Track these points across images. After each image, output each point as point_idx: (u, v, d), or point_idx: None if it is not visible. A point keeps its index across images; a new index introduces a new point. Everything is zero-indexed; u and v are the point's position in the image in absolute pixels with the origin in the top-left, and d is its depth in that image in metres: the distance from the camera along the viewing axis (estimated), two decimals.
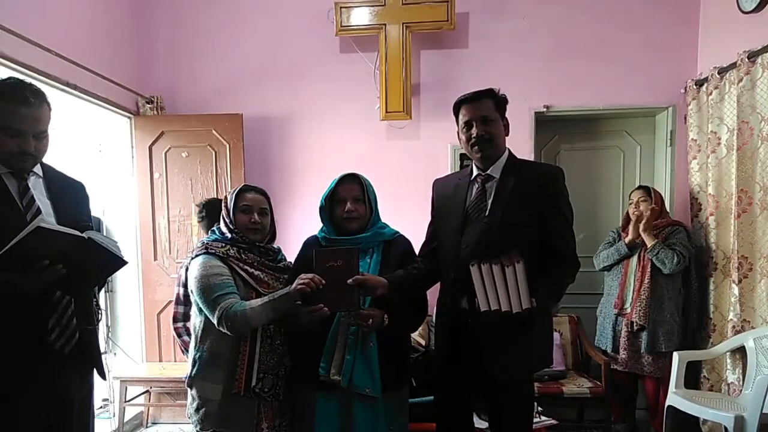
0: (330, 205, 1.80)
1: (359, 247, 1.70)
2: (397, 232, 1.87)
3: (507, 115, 1.77)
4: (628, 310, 2.82)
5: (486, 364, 1.64)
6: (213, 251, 1.71)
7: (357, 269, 1.61)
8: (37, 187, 1.48)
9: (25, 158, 1.41)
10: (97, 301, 1.67)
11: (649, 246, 2.76)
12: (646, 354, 2.78)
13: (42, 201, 1.47)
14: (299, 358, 1.75)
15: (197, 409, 1.71)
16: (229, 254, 1.72)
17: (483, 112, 1.69)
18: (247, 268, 1.73)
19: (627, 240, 2.84)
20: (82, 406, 1.57)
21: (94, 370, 1.62)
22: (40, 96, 1.42)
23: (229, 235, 1.77)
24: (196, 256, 1.73)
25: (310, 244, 1.84)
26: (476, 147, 1.70)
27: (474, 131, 1.69)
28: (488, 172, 1.73)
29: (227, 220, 1.79)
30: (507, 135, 1.77)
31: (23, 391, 1.39)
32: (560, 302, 1.88)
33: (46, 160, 1.53)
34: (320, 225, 1.85)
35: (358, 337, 1.66)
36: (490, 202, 1.69)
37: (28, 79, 1.50)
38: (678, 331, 2.79)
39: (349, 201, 1.76)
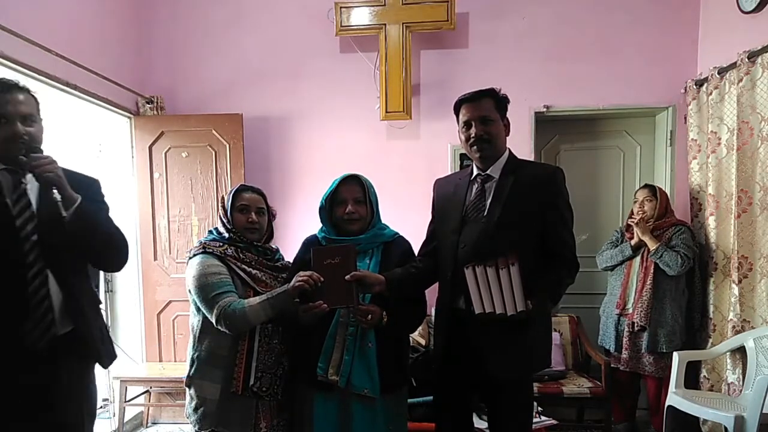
0: (330, 206, 1.79)
1: (357, 246, 1.70)
2: (397, 233, 1.87)
3: (507, 115, 1.76)
4: (630, 311, 2.81)
5: (485, 365, 1.64)
6: (211, 251, 1.72)
7: (354, 266, 1.62)
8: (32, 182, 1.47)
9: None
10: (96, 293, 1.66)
11: (651, 249, 2.76)
12: (647, 354, 2.78)
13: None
14: (298, 358, 1.75)
15: (195, 409, 1.71)
16: (226, 254, 1.72)
17: (482, 112, 1.69)
18: (245, 267, 1.74)
19: (633, 243, 2.84)
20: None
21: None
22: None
23: (226, 235, 1.77)
24: (194, 255, 1.73)
25: (309, 243, 1.83)
26: (475, 147, 1.70)
27: (473, 131, 1.69)
28: (488, 172, 1.73)
29: (225, 220, 1.79)
30: (508, 135, 1.76)
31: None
32: (560, 302, 1.88)
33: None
34: (320, 225, 1.84)
35: (357, 338, 1.66)
36: (488, 201, 1.69)
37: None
38: (680, 332, 2.78)
39: (350, 202, 1.75)
